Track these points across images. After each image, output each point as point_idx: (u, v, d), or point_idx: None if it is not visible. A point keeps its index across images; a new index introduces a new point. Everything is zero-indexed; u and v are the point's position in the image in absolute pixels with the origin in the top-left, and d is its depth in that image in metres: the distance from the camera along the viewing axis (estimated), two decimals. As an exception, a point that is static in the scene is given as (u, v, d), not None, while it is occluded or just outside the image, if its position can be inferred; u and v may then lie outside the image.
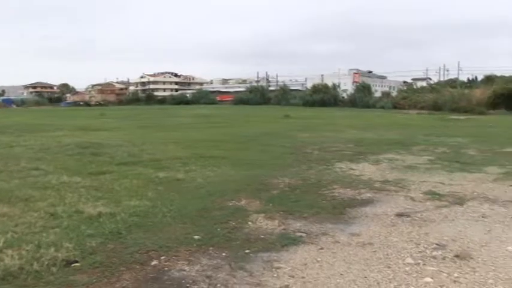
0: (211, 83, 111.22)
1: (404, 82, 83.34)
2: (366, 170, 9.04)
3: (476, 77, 73.83)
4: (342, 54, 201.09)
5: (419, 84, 70.55)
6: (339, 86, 61.80)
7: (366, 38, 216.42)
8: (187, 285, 3.58)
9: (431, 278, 3.70)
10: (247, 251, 4.32)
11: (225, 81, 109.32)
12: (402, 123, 24.37)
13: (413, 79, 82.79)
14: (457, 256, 4.18)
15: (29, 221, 5.09)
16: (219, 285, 3.58)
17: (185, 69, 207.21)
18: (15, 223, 5.02)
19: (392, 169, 9.13)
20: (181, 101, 75.44)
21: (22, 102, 77.90)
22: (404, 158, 10.65)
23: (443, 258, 4.14)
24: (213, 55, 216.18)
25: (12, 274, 3.66)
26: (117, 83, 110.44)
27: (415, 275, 3.76)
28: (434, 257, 4.18)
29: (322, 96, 56.59)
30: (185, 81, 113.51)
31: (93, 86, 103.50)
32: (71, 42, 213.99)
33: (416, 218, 5.50)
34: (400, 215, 5.65)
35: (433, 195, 6.72)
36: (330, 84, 61.26)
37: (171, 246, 4.40)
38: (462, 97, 42.37)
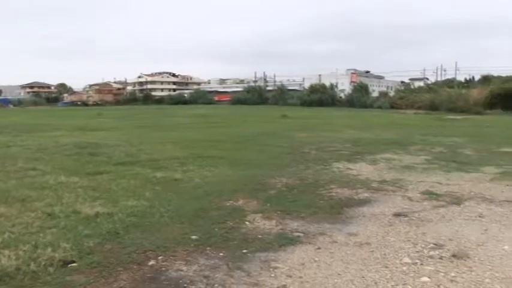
0: (209, 83, 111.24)
1: (402, 82, 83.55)
2: (363, 169, 9.05)
3: (473, 77, 74.15)
4: (342, 54, 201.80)
5: (417, 84, 70.77)
6: (336, 86, 61.79)
7: (365, 38, 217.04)
8: (185, 285, 3.58)
9: (429, 277, 3.71)
10: (244, 251, 4.32)
11: (222, 81, 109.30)
12: (399, 123, 24.40)
13: (410, 79, 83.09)
14: (454, 256, 4.19)
15: (26, 221, 5.07)
16: (216, 285, 3.58)
17: (185, 69, 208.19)
18: (12, 223, 5.01)
19: (390, 169, 9.15)
20: (179, 100, 75.42)
21: (19, 102, 77.73)
22: (402, 158, 10.67)
23: (441, 258, 4.16)
24: (212, 55, 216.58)
25: (9, 274, 3.65)
26: (115, 82, 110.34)
27: (412, 275, 3.77)
28: (431, 257, 4.19)
29: (320, 96, 56.61)
30: (183, 81, 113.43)
31: (90, 86, 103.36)
32: (71, 42, 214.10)
33: (414, 218, 5.51)
34: (397, 214, 5.66)
35: (430, 195, 6.74)
36: (327, 84, 61.24)
37: (169, 246, 4.40)
38: (459, 97, 42.42)
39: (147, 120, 27.45)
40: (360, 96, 54.85)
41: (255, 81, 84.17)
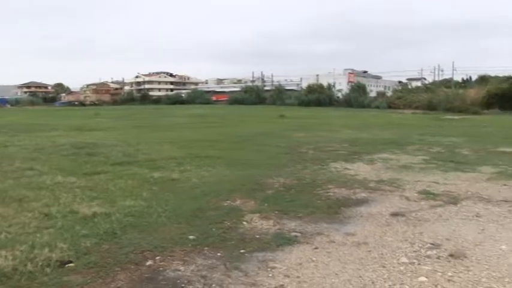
0: (207, 83, 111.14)
1: (400, 82, 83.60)
2: (360, 169, 9.06)
3: (470, 77, 74.19)
4: (341, 54, 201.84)
5: (414, 84, 70.91)
6: (334, 86, 61.88)
7: (365, 38, 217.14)
8: (182, 285, 3.58)
9: (426, 277, 3.72)
10: (242, 250, 4.32)
11: (220, 81, 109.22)
12: (397, 123, 24.45)
13: (408, 79, 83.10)
14: (451, 255, 4.20)
15: (23, 222, 5.06)
16: (214, 285, 3.58)
17: (185, 69, 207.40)
18: (9, 223, 4.99)
19: (387, 169, 9.16)
20: (176, 100, 75.37)
21: (16, 102, 77.49)
22: (399, 158, 10.68)
23: (438, 258, 4.16)
24: (212, 55, 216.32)
25: (6, 275, 3.64)
26: (112, 82, 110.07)
27: (409, 275, 3.78)
28: (428, 256, 4.20)
29: (318, 96, 56.67)
30: (180, 81, 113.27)
31: (88, 85, 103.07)
32: (71, 42, 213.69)
33: (411, 218, 5.52)
34: (394, 214, 5.67)
35: (427, 194, 6.75)
36: (325, 84, 61.34)
37: (166, 246, 4.39)
38: (456, 97, 42.54)
39: (144, 120, 27.42)
40: (357, 96, 54.93)
41: (252, 81, 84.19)
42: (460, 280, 3.66)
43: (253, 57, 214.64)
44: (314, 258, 4.16)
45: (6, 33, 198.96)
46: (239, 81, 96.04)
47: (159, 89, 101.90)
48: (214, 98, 77.10)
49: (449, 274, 3.78)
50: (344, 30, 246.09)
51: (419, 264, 4.02)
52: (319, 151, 11.99)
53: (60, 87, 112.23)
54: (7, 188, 6.85)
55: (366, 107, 49.67)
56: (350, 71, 78.76)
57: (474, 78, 68.17)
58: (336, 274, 3.80)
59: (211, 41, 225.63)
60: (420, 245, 4.51)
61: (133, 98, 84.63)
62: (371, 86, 70.63)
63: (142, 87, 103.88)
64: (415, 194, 6.78)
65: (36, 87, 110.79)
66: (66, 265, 3.86)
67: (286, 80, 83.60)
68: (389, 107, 47.90)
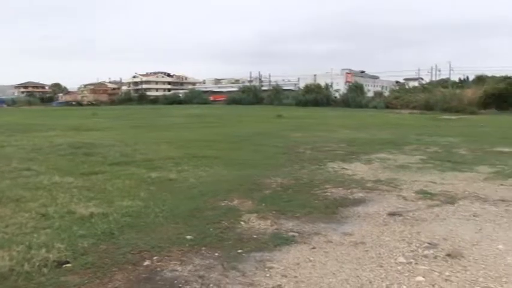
0: (204, 83, 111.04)
1: (397, 82, 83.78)
2: (358, 169, 9.07)
3: (467, 77, 74.49)
4: (341, 54, 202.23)
5: (411, 84, 71.03)
6: (331, 86, 61.98)
7: (365, 38, 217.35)
8: (180, 285, 3.57)
9: (423, 277, 3.73)
10: (239, 250, 4.32)
11: (217, 81, 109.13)
12: (394, 123, 24.49)
13: (405, 79, 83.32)
14: (448, 255, 4.21)
15: (20, 222, 5.04)
16: (211, 285, 3.57)
17: (185, 70, 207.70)
18: (5, 224, 4.98)
19: (385, 169, 9.17)
20: (174, 100, 75.39)
21: (13, 102, 77.39)
22: (397, 158, 10.70)
23: (435, 257, 4.17)
24: (212, 55, 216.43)
25: (3, 275, 3.63)
26: (110, 82, 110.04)
27: (407, 274, 3.78)
28: (426, 256, 4.20)
29: (315, 96, 56.76)
30: (178, 81, 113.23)
31: (85, 85, 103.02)
32: (71, 42, 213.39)
33: (408, 217, 5.53)
34: (392, 214, 5.68)
35: (424, 194, 6.76)
36: (322, 84, 61.43)
37: (164, 246, 4.39)
38: (454, 97, 42.68)
39: (142, 120, 27.39)
40: (355, 96, 55.06)
41: (250, 81, 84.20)
42: (457, 280, 3.67)
43: (253, 57, 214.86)
44: (311, 258, 4.16)
45: (6, 33, 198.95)
46: (237, 81, 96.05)
47: (157, 89, 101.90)
48: (211, 98, 77.13)
49: (447, 274, 3.79)
50: (344, 30, 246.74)
51: (416, 263, 4.02)
52: (317, 151, 12.00)
53: (57, 87, 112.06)
54: (4, 188, 6.82)
55: (363, 107, 49.79)
56: (347, 71, 78.86)
57: (471, 78, 68.48)
58: (334, 274, 3.80)
59: (211, 41, 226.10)
60: (417, 245, 4.51)
61: (131, 98, 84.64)
62: (368, 86, 70.83)
63: (139, 87, 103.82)
64: (413, 194, 6.79)
65: (33, 87, 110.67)
66: (64, 265, 3.85)
67: (283, 80, 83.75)
68: (387, 107, 48.02)
